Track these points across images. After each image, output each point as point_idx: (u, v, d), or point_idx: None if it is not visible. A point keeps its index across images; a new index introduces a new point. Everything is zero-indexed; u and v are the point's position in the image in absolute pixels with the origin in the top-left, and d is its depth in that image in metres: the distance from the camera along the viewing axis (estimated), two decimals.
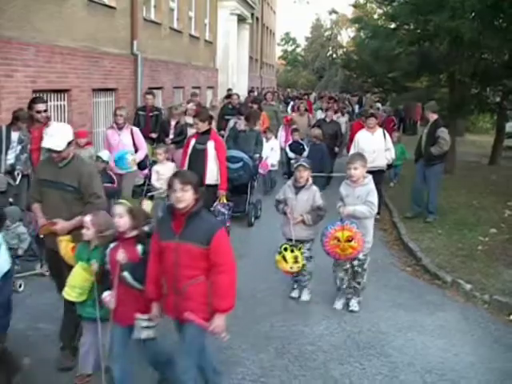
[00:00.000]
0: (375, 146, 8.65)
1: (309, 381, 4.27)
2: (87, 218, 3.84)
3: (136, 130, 8.20)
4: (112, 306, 3.63)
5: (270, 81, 39.67)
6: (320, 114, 15.00)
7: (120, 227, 3.64)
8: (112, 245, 3.71)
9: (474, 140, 21.45)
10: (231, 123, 10.52)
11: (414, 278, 6.65)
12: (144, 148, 8.23)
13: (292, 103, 20.93)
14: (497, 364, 4.61)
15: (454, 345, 4.92)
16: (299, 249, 5.35)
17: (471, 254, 7.11)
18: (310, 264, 5.62)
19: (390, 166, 9.50)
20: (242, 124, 9.56)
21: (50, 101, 9.14)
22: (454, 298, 6.00)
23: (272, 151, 10.22)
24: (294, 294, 5.84)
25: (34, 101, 6.83)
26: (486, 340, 5.05)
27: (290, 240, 5.41)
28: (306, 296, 5.78)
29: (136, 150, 7.99)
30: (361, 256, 5.38)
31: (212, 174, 6.92)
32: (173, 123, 9.87)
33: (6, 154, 6.52)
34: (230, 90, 18.21)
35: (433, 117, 8.75)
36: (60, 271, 4.24)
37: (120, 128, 7.97)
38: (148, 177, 8.10)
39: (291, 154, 10.69)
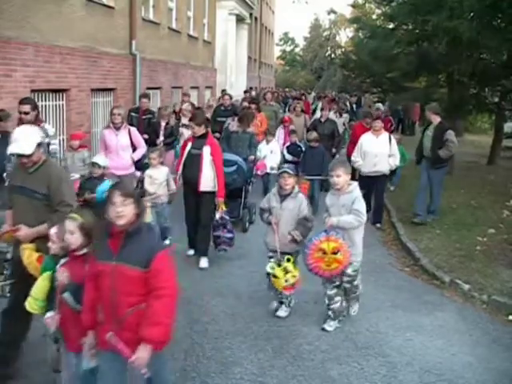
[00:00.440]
0: (378, 149, 8.46)
1: (307, 381, 4.27)
2: (52, 231, 3.52)
3: (133, 129, 7.93)
4: (53, 328, 3.35)
5: (269, 81, 39.67)
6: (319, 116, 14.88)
7: (71, 244, 3.32)
8: (63, 260, 3.41)
9: (473, 140, 21.46)
10: (226, 125, 10.13)
11: (413, 278, 6.65)
12: (143, 146, 7.95)
13: (290, 102, 20.87)
14: (495, 364, 4.61)
15: (452, 345, 4.93)
16: (288, 260, 5.02)
17: (469, 254, 7.12)
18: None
19: (391, 172, 9.21)
20: (234, 125, 9.26)
21: (49, 100, 9.16)
22: (453, 298, 6.00)
23: (272, 154, 9.82)
24: (281, 312, 5.40)
25: (20, 101, 6.47)
26: (484, 340, 5.05)
27: (275, 252, 5.13)
28: (283, 312, 5.40)
29: (134, 150, 7.79)
30: (350, 271, 5.03)
31: (207, 181, 6.56)
32: (163, 124, 9.62)
33: None
34: (224, 90, 17.89)
35: (435, 119, 8.51)
36: (23, 279, 3.86)
37: (117, 128, 7.60)
38: (141, 180, 7.70)
39: (289, 157, 10.27)
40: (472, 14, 11.49)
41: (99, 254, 3.09)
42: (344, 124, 14.14)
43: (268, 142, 9.93)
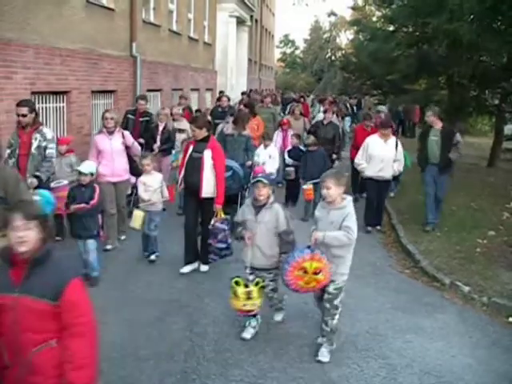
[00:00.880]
0: (385, 155, 8.28)
1: (307, 383, 4.27)
2: None
3: (127, 133, 7.52)
4: None
5: (269, 83, 39.70)
6: (321, 118, 14.75)
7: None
8: None
9: (473, 142, 21.46)
10: (219, 128, 9.70)
11: (413, 280, 6.65)
12: (138, 150, 7.60)
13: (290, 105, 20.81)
14: (494, 366, 4.61)
15: (452, 347, 4.93)
16: (256, 283, 4.63)
17: (470, 257, 7.12)
18: (277, 295, 5.05)
19: (394, 178, 8.97)
20: (229, 127, 8.94)
21: (49, 103, 9.17)
22: (453, 300, 6.00)
23: (271, 159, 9.50)
24: (246, 334, 4.94)
25: (17, 104, 6.41)
26: (484, 342, 5.05)
27: (253, 268, 4.88)
28: (279, 316, 5.23)
29: (129, 156, 7.40)
30: (331, 289, 4.56)
31: (209, 186, 6.32)
32: (160, 128, 9.25)
33: None
34: (221, 92, 17.82)
35: (438, 123, 8.20)
36: None
37: (110, 132, 7.18)
38: (134, 187, 7.49)
39: (289, 161, 9.85)
40: (472, 17, 11.53)
41: None
42: (342, 129, 14.00)
43: (266, 146, 9.66)
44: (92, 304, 2.77)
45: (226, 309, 5.51)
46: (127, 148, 7.32)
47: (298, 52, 66.37)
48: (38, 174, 6.23)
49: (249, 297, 4.56)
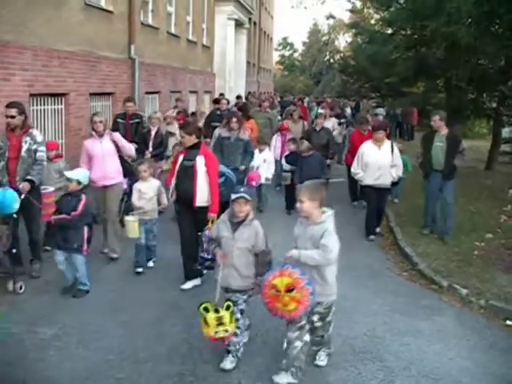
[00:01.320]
0: (381, 162, 8.04)
1: None
2: None
3: (116, 134, 7.25)
4: None
5: (267, 86, 39.75)
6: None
7: None
8: None
9: (471, 145, 21.42)
10: (216, 132, 9.22)
11: (411, 283, 6.65)
12: (130, 148, 7.29)
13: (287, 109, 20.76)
14: (492, 369, 4.61)
15: (449, 349, 4.93)
16: (227, 307, 4.19)
17: (467, 259, 7.13)
18: (244, 320, 4.57)
19: (394, 184, 8.56)
20: (225, 130, 8.66)
21: (48, 105, 9.17)
22: (450, 303, 6.00)
23: (266, 163, 9.27)
24: (226, 364, 4.45)
25: (6, 105, 6.22)
26: (481, 345, 5.05)
27: (226, 290, 4.48)
28: (228, 364, 4.46)
29: (120, 156, 7.16)
30: (320, 309, 4.30)
31: (203, 195, 6.02)
32: (153, 132, 9.02)
33: None
34: (221, 94, 17.54)
35: (444, 128, 7.92)
36: None
37: (100, 135, 6.97)
38: (127, 193, 7.26)
39: (287, 166, 9.50)
40: (470, 20, 11.58)
41: None
42: (340, 134, 13.94)
43: (261, 150, 9.43)
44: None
45: None
46: (118, 150, 7.12)
47: (296, 55, 66.60)
48: (30, 177, 6.00)
49: (220, 322, 4.15)
